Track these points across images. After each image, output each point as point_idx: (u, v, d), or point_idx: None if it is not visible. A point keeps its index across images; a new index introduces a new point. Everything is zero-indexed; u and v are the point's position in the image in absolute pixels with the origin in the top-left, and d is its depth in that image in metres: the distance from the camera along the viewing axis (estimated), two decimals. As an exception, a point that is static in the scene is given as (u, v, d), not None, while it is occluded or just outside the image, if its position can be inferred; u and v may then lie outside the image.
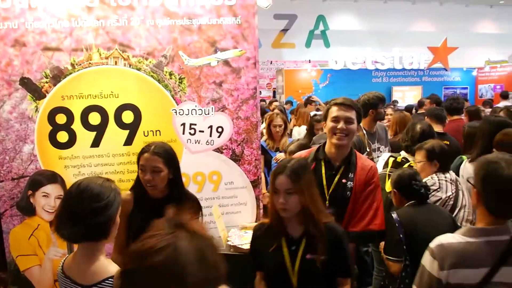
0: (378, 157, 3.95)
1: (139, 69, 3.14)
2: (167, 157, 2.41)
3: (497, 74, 14.64)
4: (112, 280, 1.68)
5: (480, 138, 3.36)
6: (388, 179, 3.03)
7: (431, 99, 7.19)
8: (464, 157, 3.60)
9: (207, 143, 3.26)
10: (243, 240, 3.03)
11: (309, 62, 15.12)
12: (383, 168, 3.44)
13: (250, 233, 2.70)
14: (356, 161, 2.62)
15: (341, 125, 2.53)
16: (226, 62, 3.23)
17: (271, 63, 15.39)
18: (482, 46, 16.44)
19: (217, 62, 3.22)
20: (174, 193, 2.46)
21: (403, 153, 3.53)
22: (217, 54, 3.22)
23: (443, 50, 14.16)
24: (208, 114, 3.24)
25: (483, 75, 15.10)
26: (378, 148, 4.18)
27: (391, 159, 3.44)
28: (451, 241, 1.78)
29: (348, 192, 2.56)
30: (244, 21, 3.23)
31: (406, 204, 2.72)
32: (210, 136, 3.25)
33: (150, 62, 3.15)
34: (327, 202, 2.52)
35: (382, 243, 2.83)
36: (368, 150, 4.06)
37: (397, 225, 2.55)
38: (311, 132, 5.06)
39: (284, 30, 15.31)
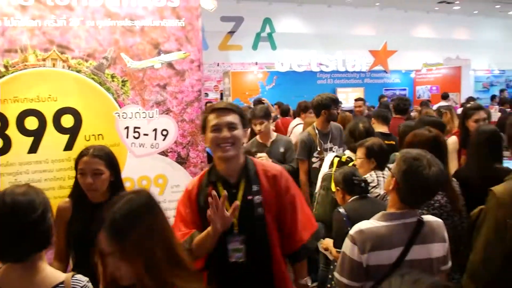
0: (330, 156, 4.08)
1: (79, 71, 3.05)
2: (108, 159, 2.36)
3: (433, 76, 15.51)
4: (62, 286, 1.62)
5: None
6: None
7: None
8: (398, 154, 3.78)
9: (152, 146, 3.21)
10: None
11: (256, 64, 15.24)
12: (329, 168, 3.54)
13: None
14: (256, 170, 2.20)
15: (224, 133, 2.09)
16: (170, 65, 3.21)
17: (218, 65, 15.34)
18: (420, 49, 17.28)
19: (160, 64, 3.19)
20: (115, 197, 2.40)
21: (347, 153, 3.65)
22: (161, 56, 3.19)
23: (383, 53, 14.82)
24: (152, 117, 3.20)
25: (420, 77, 15.94)
26: (331, 148, 4.33)
27: (336, 159, 3.53)
28: (369, 226, 1.92)
29: (259, 209, 2.13)
30: (188, 24, 3.22)
31: (350, 200, 2.83)
32: (155, 139, 3.21)
33: (90, 64, 3.06)
34: (236, 228, 2.11)
35: (327, 240, 2.92)
36: (319, 149, 4.21)
37: (344, 219, 2.65)
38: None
39: (231, 32, 15.32)
